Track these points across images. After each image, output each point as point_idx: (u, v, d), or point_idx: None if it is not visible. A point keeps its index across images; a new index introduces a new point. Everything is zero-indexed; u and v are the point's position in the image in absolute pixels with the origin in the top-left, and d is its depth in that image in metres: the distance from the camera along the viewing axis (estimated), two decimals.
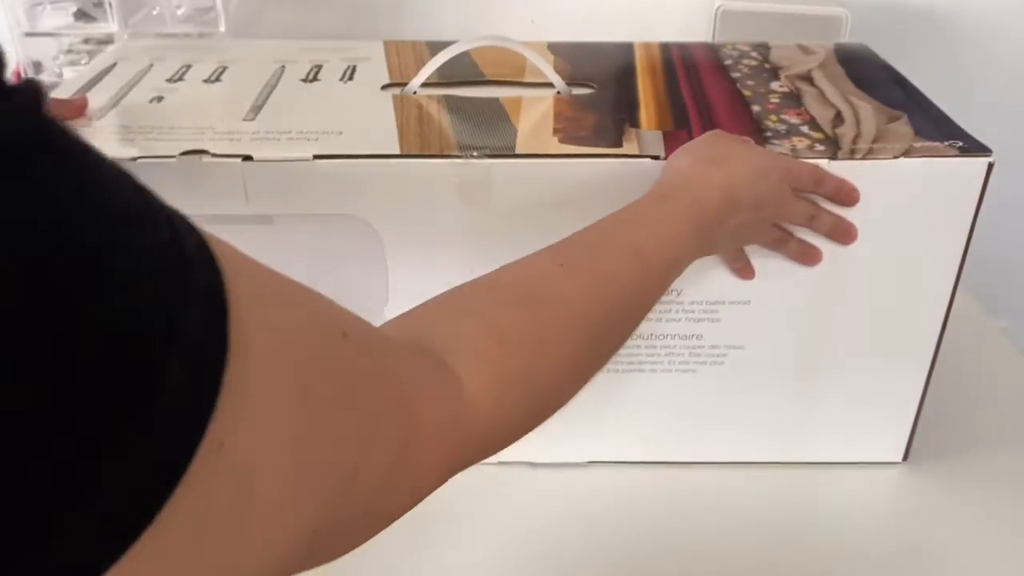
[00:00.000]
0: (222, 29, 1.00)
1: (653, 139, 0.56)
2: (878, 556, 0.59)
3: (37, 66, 1.03)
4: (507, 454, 0.63)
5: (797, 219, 0.54)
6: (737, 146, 0.52)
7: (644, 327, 0.59)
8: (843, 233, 0.55)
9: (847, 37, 0.96)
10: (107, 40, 1.01)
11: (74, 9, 1.00)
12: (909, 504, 0.63)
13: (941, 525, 0.61)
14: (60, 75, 1.03)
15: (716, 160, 0.50)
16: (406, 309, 0.40)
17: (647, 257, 0.45)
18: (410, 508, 0.33)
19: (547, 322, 0.39)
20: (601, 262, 0.44)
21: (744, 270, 0.56)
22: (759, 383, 0.61)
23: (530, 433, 0.40)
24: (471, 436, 0.35)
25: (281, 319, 0.25)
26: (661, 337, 0.59)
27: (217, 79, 0.65)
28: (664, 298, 0.57)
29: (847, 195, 0.54)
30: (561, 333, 0.40)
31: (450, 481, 0.60)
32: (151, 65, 0.67)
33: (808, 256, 0.56)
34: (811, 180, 0.53)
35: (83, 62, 1.05)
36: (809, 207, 0.54)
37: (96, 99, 0.61)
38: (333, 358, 0.27)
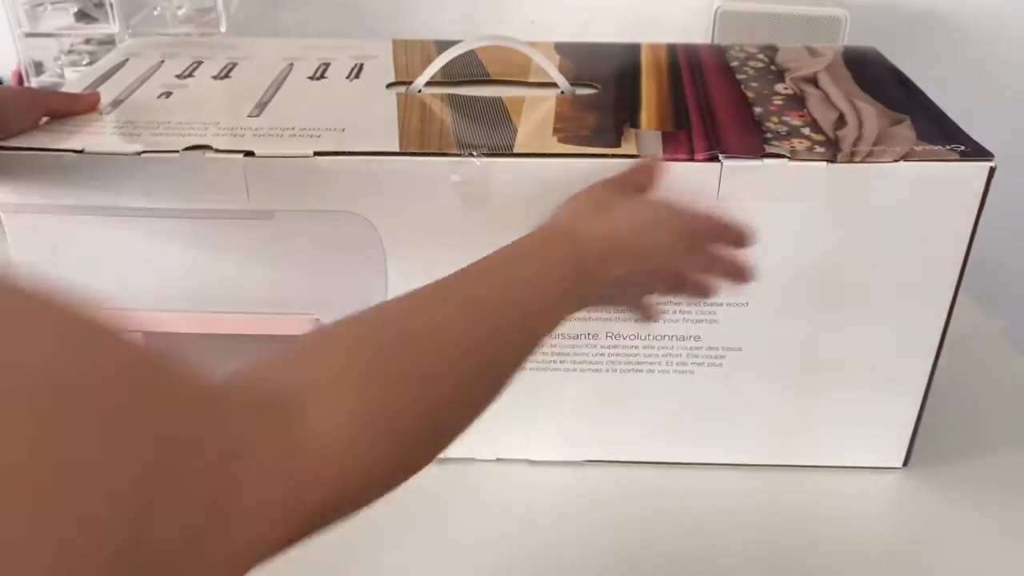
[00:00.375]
0: (223, 30, 1.00)
1: (652, 140, 0.56)
2: (876, 562, 0.58)
3: (38, 66, 1.03)
4: (506, 451, 0.64)
5: (692, 272, 0.52)
6: (627, 197, 0.51)
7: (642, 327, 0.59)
8: (739, 274, 0.53)
9: (846, 38, 0.96)
10: (108, 40, 1.02)
11: (75, 10, 1.01)
12: (909, 509, 0.62)
13: (941, 531, 0.60)
14: (61, 75, 1.03)
15: (602, 208, 0.49)
16: None
17: (525, 303, 0.44)
18: (253, 562, 0.30)
19: (412, 358, 0.38)
20: (476, 303, 0.42)
21: (647, 317, 0.55)
22: (757, 385, 0.61)
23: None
24: (322, 478, 0.32)
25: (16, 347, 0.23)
26: (659, 338, 0.59)
27: (226, 75, 0.66)
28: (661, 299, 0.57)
29: (747, 239, 0.53)
30: (427, 370, 0.38)
31: (448, 478, 0.61)
32: (162, 61, 0.68)
33: (704, 291, 0.54)
34: (710, 234, 0.52)
35: (84, 62, 1.05)
36: (703, 258, 0.52)
37: (107, 94, 0.62)
38: (90, 383, 0.24)
